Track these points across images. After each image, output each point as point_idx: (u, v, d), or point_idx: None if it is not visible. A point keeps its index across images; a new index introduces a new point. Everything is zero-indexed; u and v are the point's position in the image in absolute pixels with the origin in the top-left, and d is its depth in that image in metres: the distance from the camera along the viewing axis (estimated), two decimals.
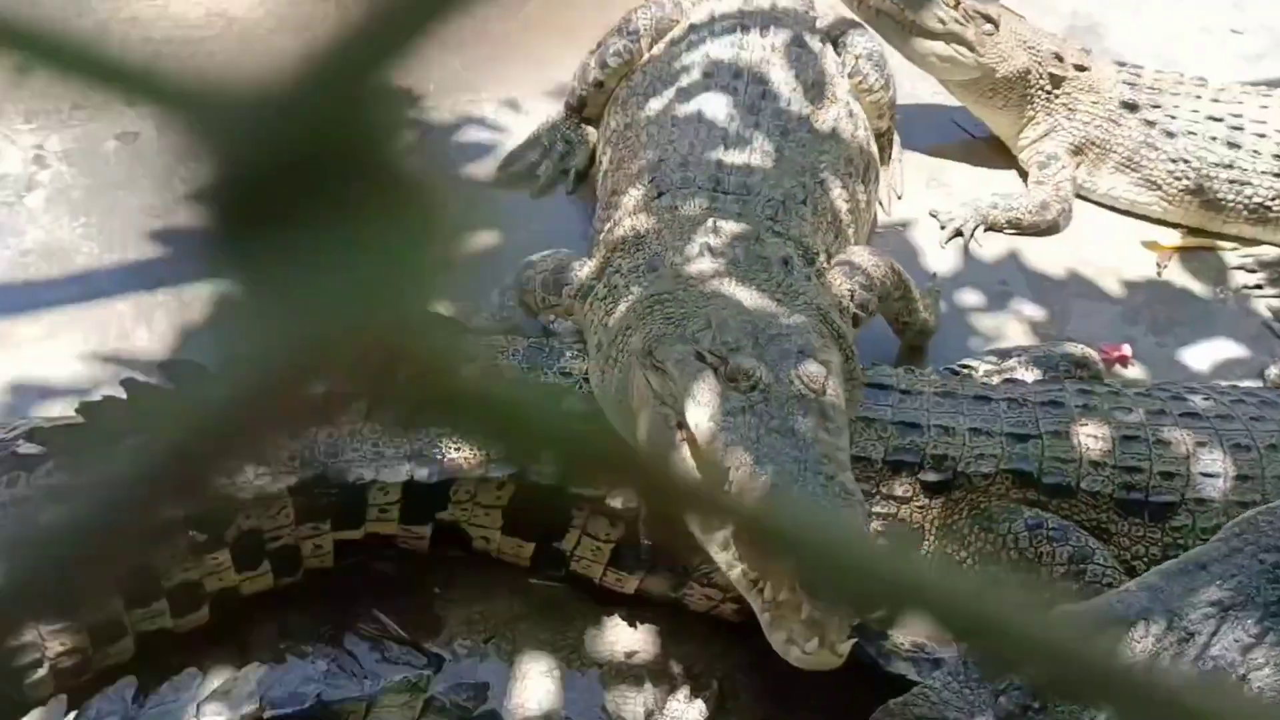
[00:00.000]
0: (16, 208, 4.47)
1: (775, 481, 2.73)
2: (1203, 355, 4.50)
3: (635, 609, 3.45)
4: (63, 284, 4.23)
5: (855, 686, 3.03)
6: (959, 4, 4.80)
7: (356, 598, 3.43)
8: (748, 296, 3.29)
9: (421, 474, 3.27)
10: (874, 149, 4.59)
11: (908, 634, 3.52)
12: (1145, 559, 3.44)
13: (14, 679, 3.03)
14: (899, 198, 4.93)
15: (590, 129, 4.79)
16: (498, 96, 5.12)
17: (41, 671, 3.05)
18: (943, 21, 4.79)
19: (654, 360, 3.14)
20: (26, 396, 3.84)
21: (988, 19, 4.82)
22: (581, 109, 4.75)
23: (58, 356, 3.98)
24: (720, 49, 4.37)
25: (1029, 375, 3.85)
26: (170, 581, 3.17)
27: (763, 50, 4.37)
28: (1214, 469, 3.47)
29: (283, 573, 3.35)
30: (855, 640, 2.82)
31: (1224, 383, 4.09)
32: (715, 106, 4.12)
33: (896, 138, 5.01)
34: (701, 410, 2.97)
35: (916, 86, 5.31)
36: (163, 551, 3.13)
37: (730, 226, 3.59)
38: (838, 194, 4.14)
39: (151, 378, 3.42)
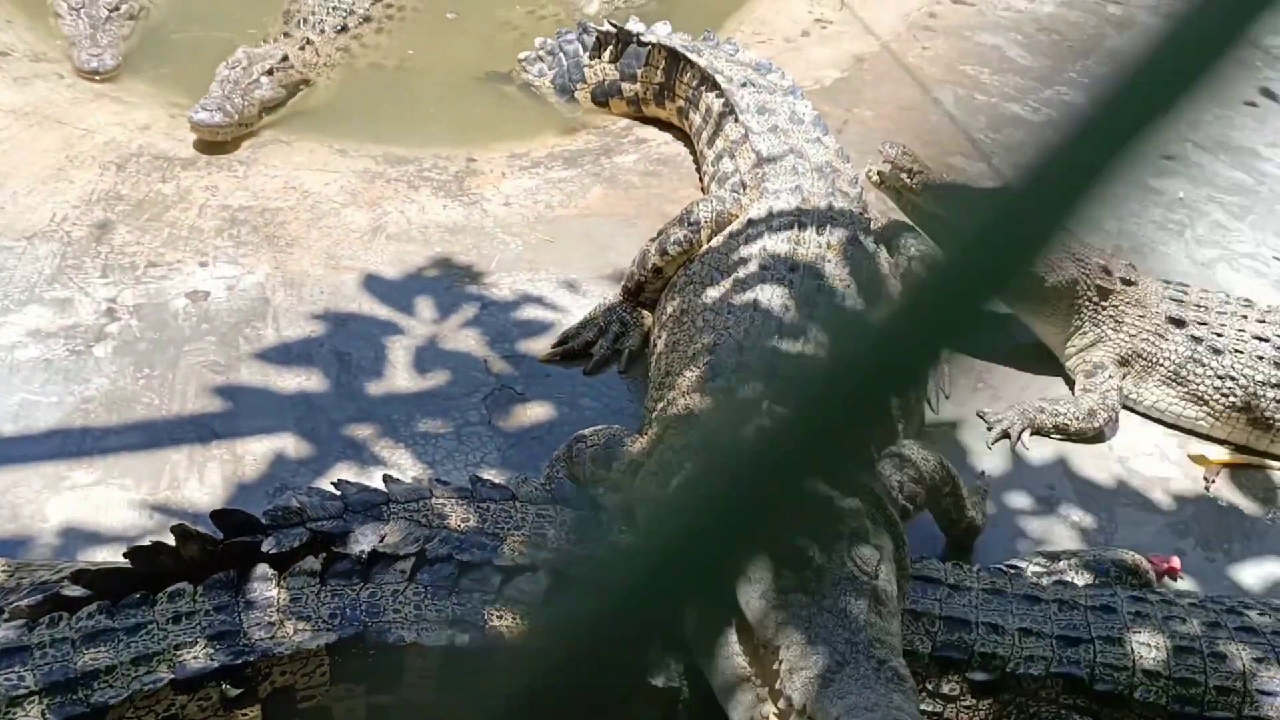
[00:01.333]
0: (84, 356, 4.59)
1: (826, 663, 2.68)
2: (1254, 573, 4.43)
3: None
4: (120, 432, 4.30)
5: None
6: None
7: None
8: None
9: (462, 640, 3.22)
10: None
11: None
12: None
13: None
14: (947, 397, 4.97)
15: (645, 313, 4.90)
16: (557, 277, 5.27)
17: None
18: None
19: None
20: (75, 539, 3.87)
21: None
22: (638, 293, 4.88)
23: (109, 502, 4.02)
24: (777, 243, 4.51)
25: (1079, 579, 3.80)
26: None
27: (819, 247, 4.51)
28: (1272, 687, 3.37)
29: None
30: None
31: (1277, 601, 4.01)
32: (771, 296, 4.23)
33: None
34: (752, 588, 2.94)
35: None
36: (194, 704, 3.08)
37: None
38: None
39: (201, 527, 3.44)
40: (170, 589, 3.22)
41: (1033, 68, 7.22)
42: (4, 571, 3.44)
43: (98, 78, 6.16)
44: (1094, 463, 4.80)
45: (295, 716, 3.22)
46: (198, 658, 3.08)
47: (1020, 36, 7.31)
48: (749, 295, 4.26)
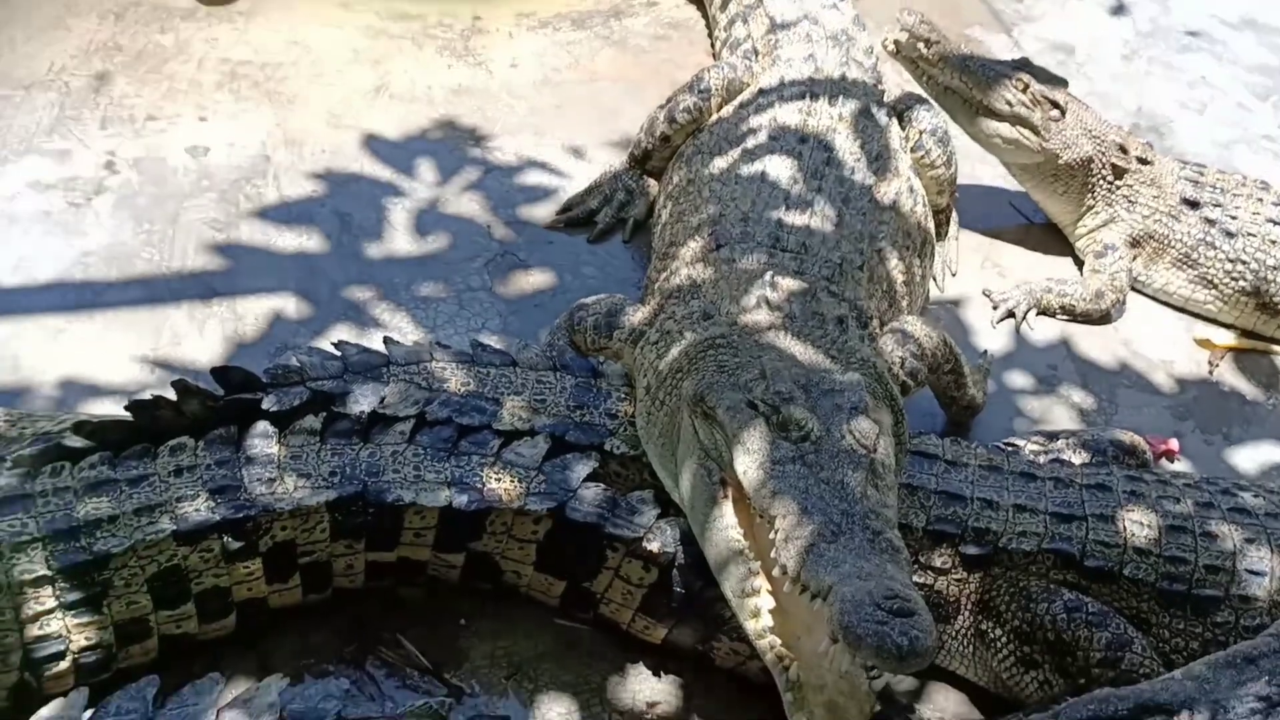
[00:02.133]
0: (84, 210, 4.55)
1: (821, 532, 2.70)
2: (1251, 457, 4.45)
3: (661, 658, 3.40)
4: (120, 286, 4.28)
5: None
6: (1028, 88, 4.83)
7: (382, 622, 3.40)
8: (802, 351, 3.28)
9: (460, 501, 3.25)
10: (931, 226, 4.61)
11: (935, 709, 3.46)
12: (1184, 653, 3.37)
13: (36, 668, 3.01)
14: (953, 275, 4.93)
15: (651, 181, 4.83)
16: (562, 142, 5.18)
17: (64, 664, 3.03)
18: (1010, 104, 4.82)
19: (705, 406, 3.13)
20: (76, 391, 3.88)
21: (1055, 105, 4.85)
22: (645, 161, 4.80)
23: (109, 355, 4.02)
24: (788, 114, 4.41)
25: (1076, 458, 3.81)
26: (200, 586, 3.15)
27: (830, 119, 4.41)
28: (1260, 567, 3.40)
29: (312, 588, 3.32)
30: None
31: (1272, 484, 4.02)
32: (779, 168, 4.15)
33: (955, 216, 5.03)
34: (751, 458, 2.95)
35: (976, 168, 5.34)
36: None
37: (788, 282, 3.60)
38: (894, 264, 4.14)
39: (202, 383, 3.44)
40: (171, 443, 3.24)
41: None
42: (6, 421, 3.45)
43: None
44: (1098, 344, 4.79)
45: (296, 570, 3.27)
46: (199, 510, 3.11)
47: None
48: (757, 167, 4.18)
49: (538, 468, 3.34)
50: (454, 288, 4.49)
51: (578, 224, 4.81)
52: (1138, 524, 3.44)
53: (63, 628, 3.02)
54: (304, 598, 3.33)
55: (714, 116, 4.65)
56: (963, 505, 3.43)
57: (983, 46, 5.91)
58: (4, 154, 4.72)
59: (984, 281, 4.93)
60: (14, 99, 4.97)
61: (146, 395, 3.42)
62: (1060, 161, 4.88)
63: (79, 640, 3.04)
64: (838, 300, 3.68)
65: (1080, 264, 5.04)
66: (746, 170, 4.18)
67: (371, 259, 4.56)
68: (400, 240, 4.65)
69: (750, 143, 4.35)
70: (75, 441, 3.26)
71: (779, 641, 2.83)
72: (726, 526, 3.00)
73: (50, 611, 3.00)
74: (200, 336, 4.16)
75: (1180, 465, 4.28)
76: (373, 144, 5.04)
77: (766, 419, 3.01)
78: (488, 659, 3.36)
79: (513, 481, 3.30)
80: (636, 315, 3.79)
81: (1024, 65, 5.00)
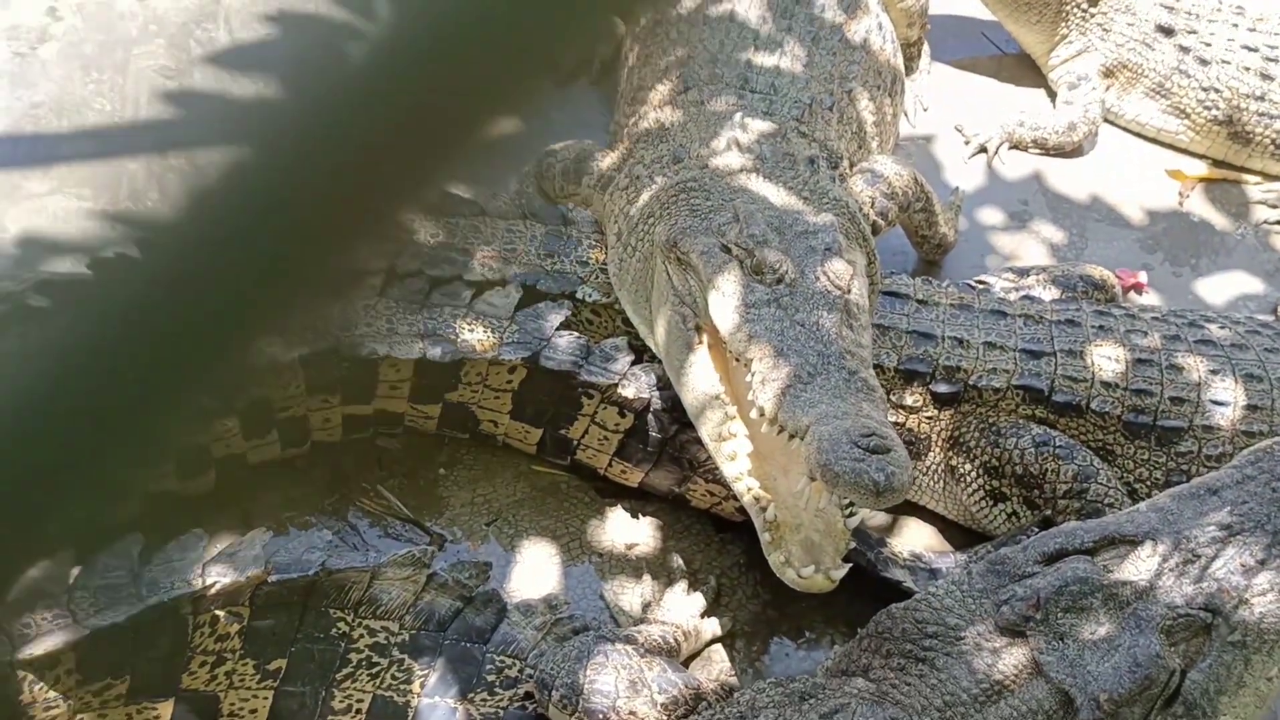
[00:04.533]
0: (29, 59, 4.38)
1: (798, 374, 2.71)
2: (1218, 287, 4.48)
3: (637, 501, 3.46)
4: (74, 139, 4.15)
5: (850, 589, 3.05)
6: None
7: (361, 473, 3.43)
8: (774, 193, 3.25)
9: (434, 353, 3.24)
10: (900, 63, 4.51)
11: (906, 543, 3.55)
12: (1148, 483, 3.46)
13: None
14: (925, 110, 4.86)
15: (618, 20, 4.68)
16: None
17: None
18: None
19: (678, 251, 3.11)
20: (35, 250, 3.80)
21: None
22: None
23: (68, 212, 3.93)
24: None
25: (1046, 294, 3.83)
26: None
27: None
28: (1224, 397, 3.47)
29: (290, 443, 3.34)
30: (850, 566, 2.85)
31: (1238, 315, 4.07)
32: (748, 8, 4.04)
33: (926, 49, 4.93)
34: (726, 302, 2.94)
35: None
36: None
37: (757, 124, 3.54)
38: (864, 104, 4.08)
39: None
40: None
41: None
42: None
43: None
44: (1069, 177, 4.76)
45: (273, 426, 3.28)
46: None
47: None
48: (725, 6, 4.06)
49: (510, 317, 3.33)
50: None
51: None
52: (1105, 358, 3.48)
53: None
54: (282, 452, 3.35)
55: None
56: (934, 344, 3.46)
57: None
58: None
59: (956, 116, 4.87)
60: None
61: (109, 253, 3.36)
62: None
63: None
64: (808, 141, 3.62)
65: (1053, 96, 4.97)
66: (714, 10, 4.07)
67: None
68: None
69: None
70: (40, 302, 3.22)
71: (757, 483, 2.88)
72: (703, 371, 3.02)
73: None
74: (160, 191, 4.06)
75: (1149, 297, 4.32)
76: None
77: (740, 262, 3.00)
78: (468, 506, 3.41)
79: (486, 332, 3.30)
80: (605, 160, 3.73)
81: None
